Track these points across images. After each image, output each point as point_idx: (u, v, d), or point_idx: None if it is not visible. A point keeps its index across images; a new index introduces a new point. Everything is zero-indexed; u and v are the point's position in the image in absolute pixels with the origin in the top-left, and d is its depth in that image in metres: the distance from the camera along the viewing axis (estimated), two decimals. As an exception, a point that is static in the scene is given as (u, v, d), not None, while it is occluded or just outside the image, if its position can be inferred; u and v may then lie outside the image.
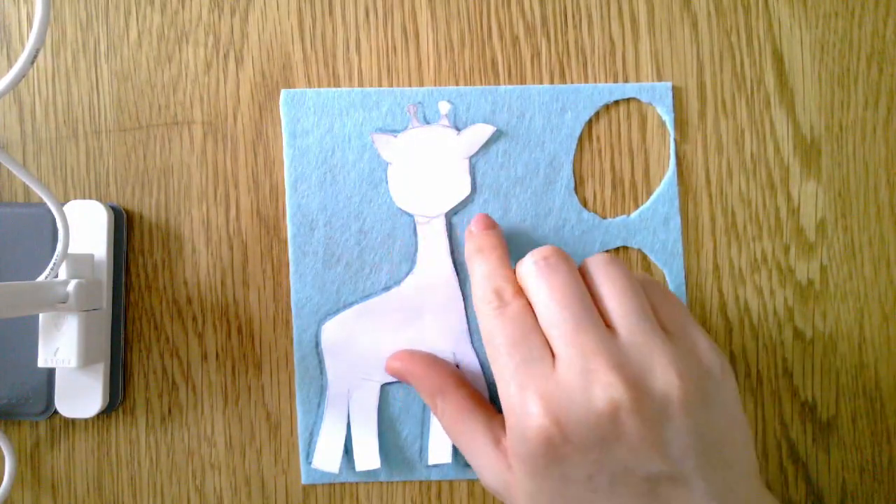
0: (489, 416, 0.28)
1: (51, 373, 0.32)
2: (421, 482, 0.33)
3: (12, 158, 0.26)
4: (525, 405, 0.25)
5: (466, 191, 0.33)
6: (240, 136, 0.34)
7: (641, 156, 0.34)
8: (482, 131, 0.33)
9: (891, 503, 0.34)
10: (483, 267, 0.29)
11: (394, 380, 0.33)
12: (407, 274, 0.33)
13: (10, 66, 0.34)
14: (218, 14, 0.34)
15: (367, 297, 0.33)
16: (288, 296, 0.33)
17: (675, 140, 0.34)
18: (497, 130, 0.33)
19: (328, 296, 0.33)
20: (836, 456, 0.34)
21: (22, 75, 0.24)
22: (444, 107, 0.33)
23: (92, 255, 0.31)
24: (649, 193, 0.34)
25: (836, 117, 0.34)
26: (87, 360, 0.30)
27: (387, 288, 0.33)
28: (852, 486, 0.34)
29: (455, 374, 0.31)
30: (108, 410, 0.33)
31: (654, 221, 0.33)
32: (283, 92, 0.33)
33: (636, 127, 0.34)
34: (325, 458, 0.32)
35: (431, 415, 0.33)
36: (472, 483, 0.33)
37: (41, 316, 0.30)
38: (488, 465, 0.27)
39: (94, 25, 0.34)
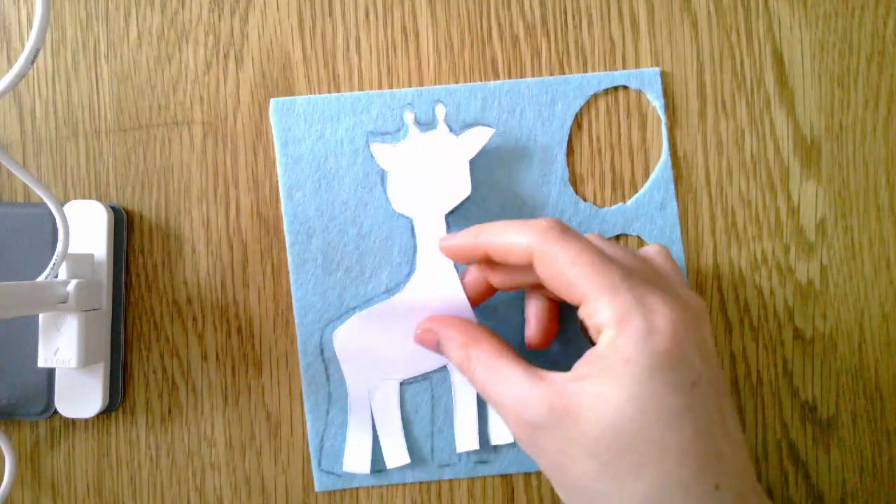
0: (522, 360, 0.28)
1: (51, 373, 0.32)
2: (421, 483, 0.33)
3: (12, 158, 0.26)
4: (647, 302, 0.25)
5: (467, 191, 0.32)
6: (240, 136, 0.34)
7: (641, 154, 0.34)
8: (481, 134, 0.32)
9: (891, 503, 0.34)
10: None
11: (412, 375, 0.33)
12: (408, 276, 0.33)
13: (10, 66, 0.34)
14: (218, 14, 0.34)
15: (369, 300, 0.33)
16: (288, 296, 0.33)
17: (667, 125, 0.34)
18: (489, 127, 0.33)
19: (331, 302, 0.33)
20: (836, 456, 0.34)
21: (22, 75, 0.24)
22: (440, 111, 0.33)
23: (92, 255, 0.31)
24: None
25: (836, 117, 0.34)
26: (87, 360, 0.30)
27: (388, 291, 0.33)
28: (852, 487, 0.34)
29: (485, 327, 0.30)
30: (108, 410, 0.33)
31: (650, 207, 0.33)
32: (272, 101, 0.33)
33: (636, 126, 0.34)
34: (355, 461, 0.32)
35: (455, 405, 0.32)
36: (473, 482, 0.33)
37: (41, 316, 0.30)
38: (531, 398, 0.26)
39: (94, 25, 0.34)
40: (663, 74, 0.34)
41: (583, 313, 0.26)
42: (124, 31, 0.34)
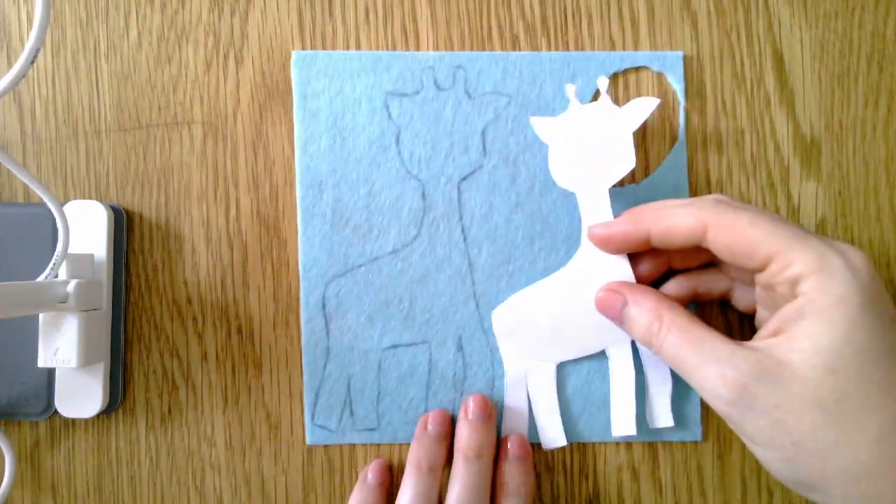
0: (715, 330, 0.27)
1: (51, 373, 0.32)
2: (421, 482, 0.33)
3: (12, 158, 0.26)
4: (835, 246, 0.25)
5: (631, 164, 0.31)
6: (240, 136, 0.34)
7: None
8: (646, 105, 0.31)
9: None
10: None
11: (570, 358, 0.32)
12: (573, 252, 0.32)
13: (10, 66, 0.34)
14: (218, 14, 0.34)
15: (375, 259, 0.33)
16: (288, 296, 0.33)
17: (686, 109, 0.33)
18: (507, 97, 0.33)
19: (336, 258, 0.33)
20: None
21: (22, 75, 0.24)
22: (603, 83, 0.32)
23: (92, 255, 0.32)
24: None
25: (836, 117, 0.34)
26: (87, 360, 0.30)
27: (394, 252, 0.33)
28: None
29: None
30: (108, 410, 0.33)
31: (662, 190, 0.33)
32: (294, 53, 0.33)
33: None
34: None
35: (613, 388, 0.32)
36: (472, 483, 0.33)
37: (41, 316, 0.30)
38: (738, 358, 0.25)
39: (94, 25, 0.34)
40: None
41: (773, 270, 0.26)
42: (124, 31, 0.34)
